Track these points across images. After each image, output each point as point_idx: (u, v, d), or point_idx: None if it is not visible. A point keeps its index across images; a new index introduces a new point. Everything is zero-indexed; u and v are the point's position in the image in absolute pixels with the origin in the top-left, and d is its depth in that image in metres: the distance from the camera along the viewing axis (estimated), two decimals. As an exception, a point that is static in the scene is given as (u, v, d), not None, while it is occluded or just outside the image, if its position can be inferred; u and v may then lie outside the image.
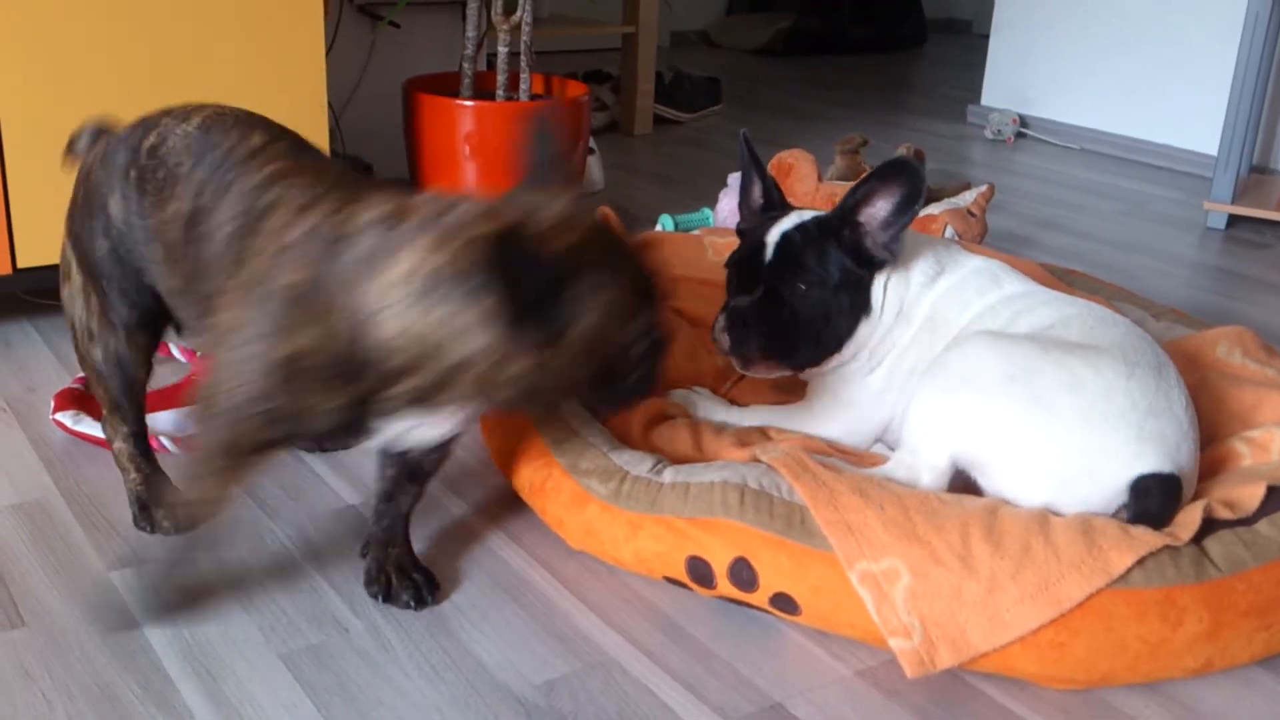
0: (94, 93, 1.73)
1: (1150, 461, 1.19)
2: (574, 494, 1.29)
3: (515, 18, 2.24)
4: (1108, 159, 3.43)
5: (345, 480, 1.44)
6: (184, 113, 1.21)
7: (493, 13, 2.24)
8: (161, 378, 1.67)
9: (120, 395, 1.30)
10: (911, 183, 1.33)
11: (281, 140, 1.16)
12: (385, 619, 1.18)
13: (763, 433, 1.46)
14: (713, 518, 1.20)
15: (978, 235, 2.19)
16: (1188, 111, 3.31)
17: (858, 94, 4.33)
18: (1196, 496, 1.25)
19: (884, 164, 1.35)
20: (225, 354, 1.01)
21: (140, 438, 1.33)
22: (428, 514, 1.37)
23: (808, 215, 1.41)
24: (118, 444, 1.33)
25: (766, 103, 4.08)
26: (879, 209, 1.36)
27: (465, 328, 0.94)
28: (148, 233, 1.17)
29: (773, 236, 1.39)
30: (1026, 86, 3.71)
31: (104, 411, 1.32)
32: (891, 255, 1.37)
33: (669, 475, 1.26)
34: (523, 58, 2.30)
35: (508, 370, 0.96)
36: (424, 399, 0.99)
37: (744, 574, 1.18)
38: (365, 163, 2.48)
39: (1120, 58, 3.47)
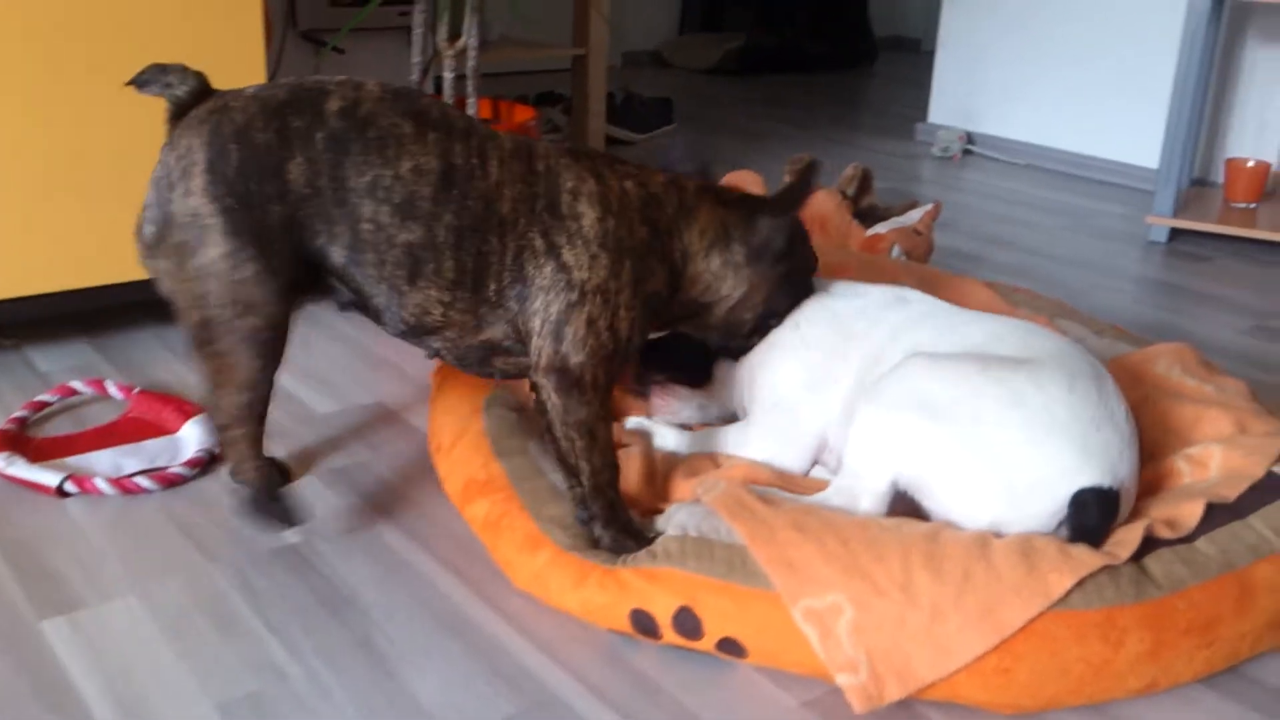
0: (28, 117, 1.70)
1: (1090, 475, 1.20)
2: (529, 536, 1.27)
3: (461, 43, 2.23)
4: (1053, 174, 3.46)
5: (286, 518, 1.42)
6: (321, 79, 1.27)
7: (438, 38, 2.23)
8: (98, 415, 1.65)
9: (260, 374, 1.26)
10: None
11: (454, 108, 1.31)
12: (324, 663, 1.16)
13: (713, 460, 1.45)
14: (655, 567, 1.19)
15: (924, 253, 2.20)
16: (1130, 126, 3.35)
17: (809, 113, 4.35)
18: (1137, 514, 1.26)
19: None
20: (595, 307, 1.25)
21: (263, 423, 1.32)
22: (365, 547, 1.36)
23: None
24: (243, 429, 1.30)
25: (718, 122, 4.09)
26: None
27: (738, 269, 1.37)
28: (353, 194, 1.22)
29: None
30: (972, 104, 3.75)
31: (239, 396, 1.27)
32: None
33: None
34: (469, 82, 2.29)
35: (757, 297, 1.39)
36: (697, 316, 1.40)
37: (688, 623, 1.17)
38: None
39: (1063, 74, 3.51)
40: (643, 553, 1.21)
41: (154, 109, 1.75)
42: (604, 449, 1.27)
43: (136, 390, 1.68)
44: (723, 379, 1.55)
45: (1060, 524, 1.21)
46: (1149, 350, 1.62)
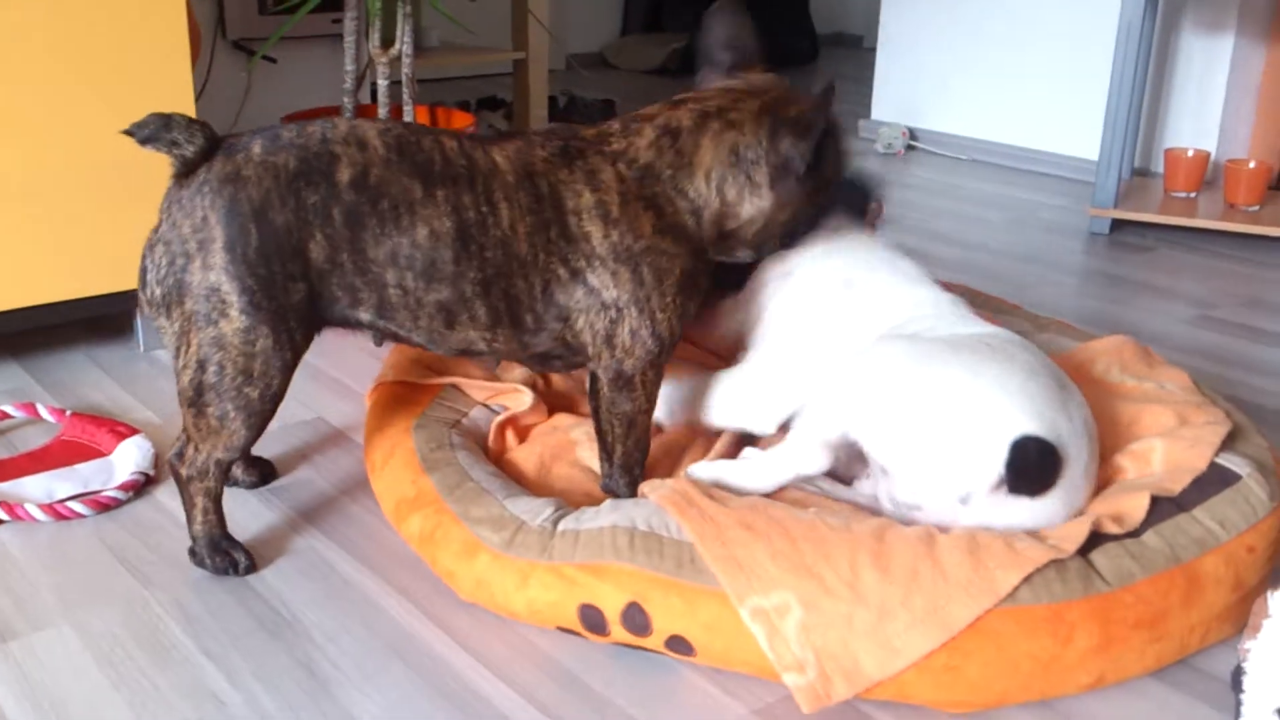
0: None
1: (1034, 427, 1.21)
2: (465, 543, 1.25)
3: (394, 50, 2.20)
4: (995, 168, 3.49)
5: (224, 540, 1.39)
6: (324, 135, 1.24)
7: (371, 45, 2.20)
8: (30, 439, 1.61)
9: (248, 440, 1.27)
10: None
11: (448, 137, 1.30)
12: (264, 688, 1.14)
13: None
14: (603, 562, 1.18)
15: (873, 219, 2.20)
16: (1069, 119, 3.38)
17: (752, 111, 4.35)
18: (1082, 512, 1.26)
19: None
20: (633, 319, 1.29)
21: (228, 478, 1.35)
22: (306, 567, 1.33)
23: None
24: (211, 484, 1.29)
25: (661, 123, 4.07)
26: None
27: (756, 190, 1.34)
28: (374, 264, 1.23)
29: None
30: (914, 99, 3.76)
31: (216, 454, 1.27)
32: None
33: (563, 523, 1.23)
34: (405, 89, 2.26)
35: (783, 215, 1.36)
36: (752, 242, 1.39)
37: (637, 619, 1.16)
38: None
39: (1002, 68, 3.53)
40: (593, 547, 1.19)
41: (68, 127, 1.71)
42: (640, 436, 1.37)
43: (69, 413, 1.64)
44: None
45: (1001, 480, 1.21)
46: (1088, 347, 1.62)
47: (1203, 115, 3.21)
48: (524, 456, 1.43)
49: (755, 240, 1.38)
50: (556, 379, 1.61)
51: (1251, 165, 2.81)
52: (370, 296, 1.25)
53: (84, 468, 1.53)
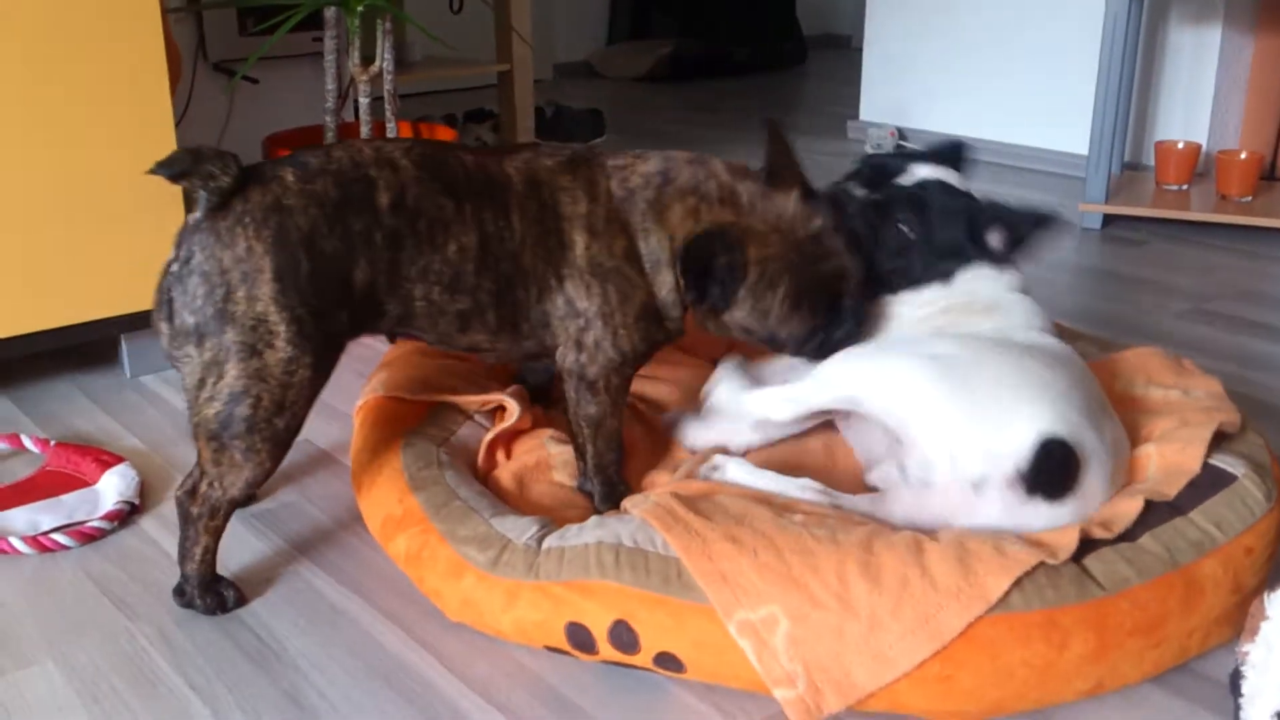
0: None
1: (1061, 431, 1.20)
2: (451, 563, 1.24)
3: (374, 67, 2.19)
4: (985, 166, 3.47)
5: (209, 568, 1.38)
6: (353, 159, 1.25)
7: (351, 63, 2.19)
8: (14, 471, 1.59)
9: (268, 474, 1.26)
10: (1046, 237, 1.45)
11: (463, 151, 1.33)
12: None
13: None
14: (589, 580, 1.16)
15: (857, 255, 2.18)
16: (1058, 114, 3.37)
17: (742, 116, 4.35)
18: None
19: (1034, 213, 1.46)
20: (598, 330, 1.33)
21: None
22: (292, 594, 1.31)
23: (957, 180, 1.49)
24: (219, 523, 1.26)
25: (650, 130, 4.07)
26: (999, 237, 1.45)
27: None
28: (406, 281, 1.26)
29: (922, 171, 1.48)
30: (902, 99, 3.75)
31: (232, 491, 1.24)
32: (1000, 261, 1.46)
33: (548, 541, 1.22)
34: (387, 105, 2.25)
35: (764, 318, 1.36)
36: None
37: (624, 636, 1.14)
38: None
39: (989, 65, 3.52)
40: (578, 565, 1.18)
41: (48, 154, 1.69)
42: (608, 438, 1.39)
43: (53, 443, 1.63)
44: None
45: (1019, 474, 1.20)
46: (1112, 361, 1.56)
47: (1192, 107, 3.20)
48: (504, 475, 1.42)
49: (750, 328, 1.38)
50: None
51: (1243, 156, 2.80)
52: (395, 310, 1.28)
53: (69, 498, 1.52)
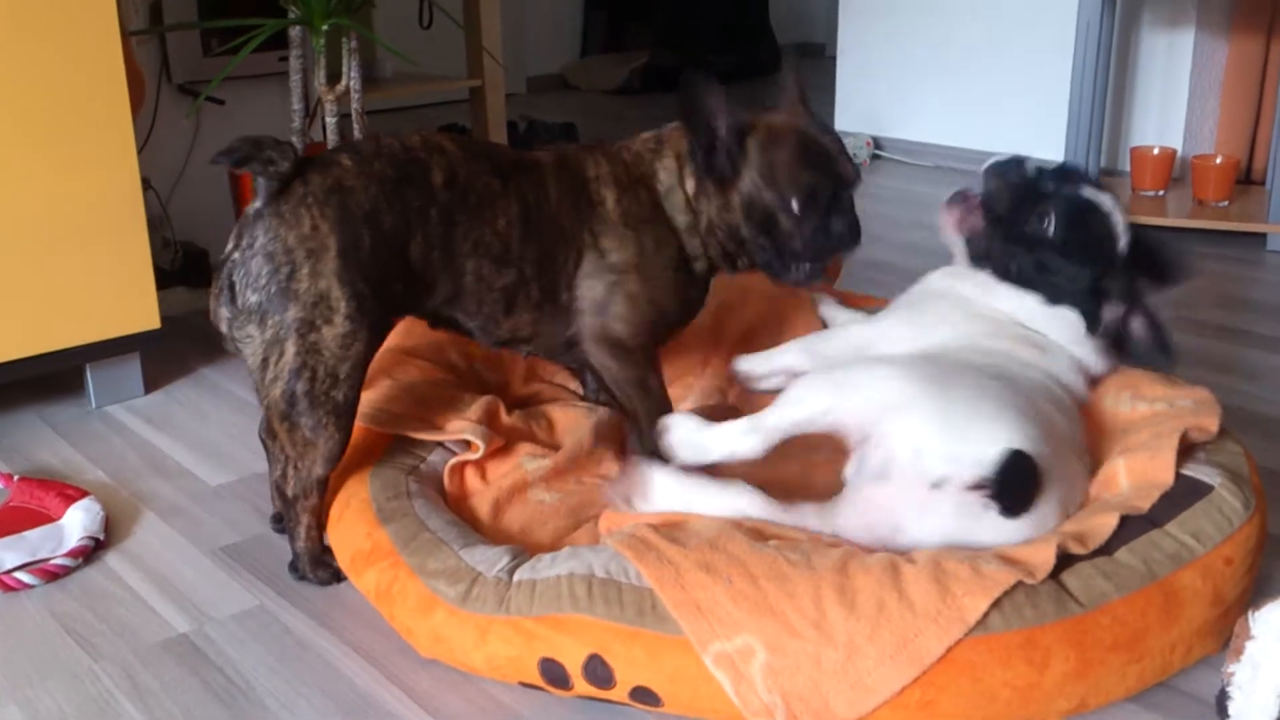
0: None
1: (1026, 445, 1.19)
2: (421, 598, 1.21)
3: (340, 86, 2.17)
4: (962, 174, 3.46)
5: (174, 605, 1.34)
6: (404, 144, 1.32)
7: (317, 83, 2.17)
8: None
9: (341, 446, 1.30)
10: (1163, 355, 1.42)
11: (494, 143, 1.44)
12: (216, 761, 1.09)
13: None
14: (562, 614, 1.14)
15: (834, 270, 2.16)
16: (1033, 121, 3.36)
17: (717, 126, 4.32)
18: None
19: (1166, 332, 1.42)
20: (634, 283, 1.37)
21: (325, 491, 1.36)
22: (260, 630, 1.29)
23: (1124, 229, 1.44)
24: (315, 500, 1.32)
25: (626, 143, 4.05)
26: (1138, 329, 1.43)
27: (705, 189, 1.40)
28: (459, 256, 1.31)
29: (1101, 198, 1.44)
30: (877, 108, 3.75)
31: (315, 469, 1.30)
32: (1095, 332, 1.43)
33: (519, 573, 1.19)
34: (355, 123, 2.23)
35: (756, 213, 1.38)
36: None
37: (599, 671, 1.12)
38: (202, 247, 2.38)
39: (963, 72, 3.52)
40: (550, 598, 1.15)
41: (8, 183, 1.66)
42: (657, 397, 1.43)
43: (16, 478, 1.60)
44: None
45: (980, 480, 1.18)
46: (1105, 379, 1.50)
47: (1167, 112, 3.20)
48: (480, 502, 1.39)
49: (752, 246, 1.40)
50: (558, 415, 1.58)
51: (1218, 160, 2.80)
52: (446, 286, 1.33)
53: (32, 535, 1.48)
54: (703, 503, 1.28)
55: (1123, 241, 1.43)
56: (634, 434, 1.46)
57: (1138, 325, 1.44)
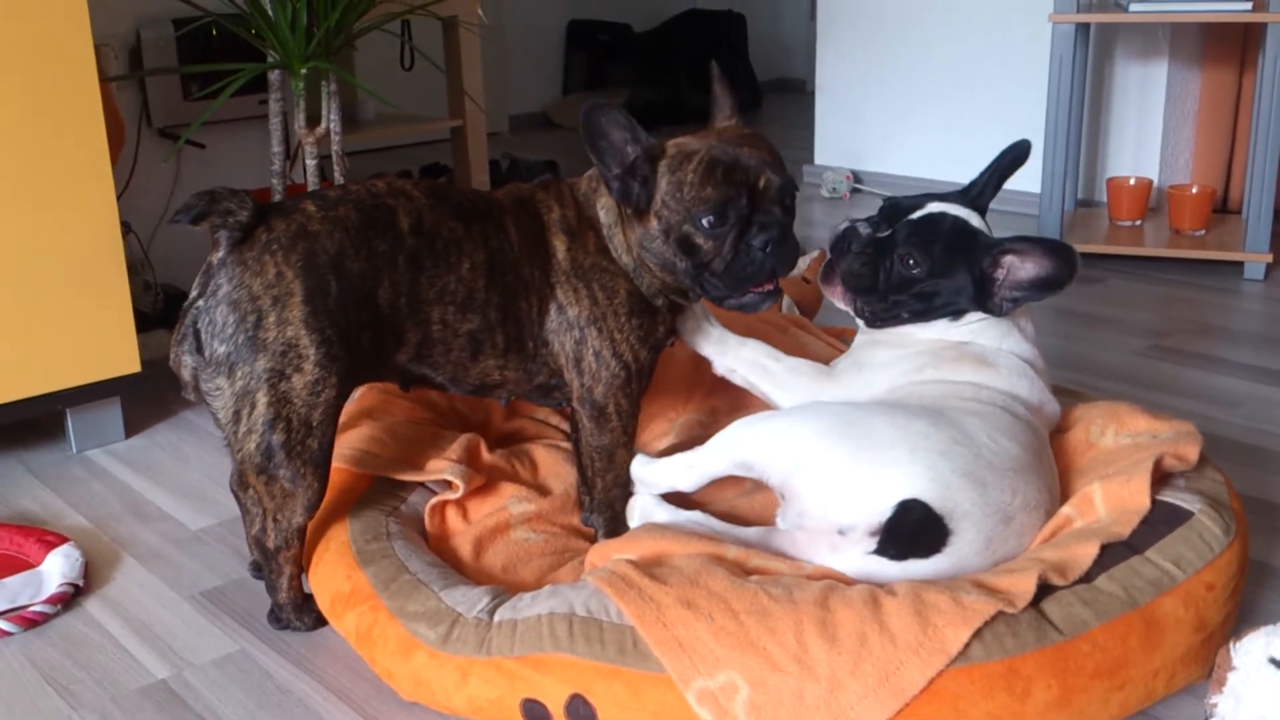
0: None
1: (926, 495, 1.21)
2: (401, 641, 1.20)
3: (320, 129, 2.18)
4: (942, 205, 3.48)
5: (154, 651, 1.33)
6: (369, 190, 1.30)
7: (297, 126, 2.18)
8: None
9: (319, 495, 1.29)
10: (1062, 272, 1.39)
11: (454, 186, 1.42)
12: (195, 808, 1.08)
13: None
14: (543, 654, 1.13)
15: (814, 302, 2.17)
16: (1011, 152, 3.39)
17: (699, 163, 4.35)
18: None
19: (1053, 241, 1.41)
20: (594, 338, 1.35)
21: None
22: (240, 676, 1.28)
23: (971, 218, 1.46)
24: (296, 551, 1.31)
25: (608, 181, 4.07)
26: (1024, 270, 1.40)
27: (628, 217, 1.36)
28: (424, 303, 1.29)
29: (933, 207, 1.46)
30: (856, 142, 3.78)
31: (295, 519, 1.28)
32: (999, 312, 1.42)
33: (499, 613, 1.19)
34: (335, 165, 2.23)
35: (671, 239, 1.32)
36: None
37: (581, 710, 1.11)
38: (184, 290, 2.38)
39: (939, 106, 3.55)
40: (531, 638, 1.15)
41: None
42: (619, 472, 1.42)
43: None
44: None
45: (878, 529, 1.22)
46: (1076, 412, 1.52)
47: (1142, 143, 3.23)
48: (461, 541, 1.39)
49: (674, 273, 1.34)
50: (541, 455, 1.57)
51: (1194, 190, 2.83)
52: (414, 336, 1.31)
53: (11, 581, 1.47)
54: (665, 514, 1.39)
55: (974, 222, 1.46)
56: (585, 496, 1.45)
57: (1011, 262, 1.41)
